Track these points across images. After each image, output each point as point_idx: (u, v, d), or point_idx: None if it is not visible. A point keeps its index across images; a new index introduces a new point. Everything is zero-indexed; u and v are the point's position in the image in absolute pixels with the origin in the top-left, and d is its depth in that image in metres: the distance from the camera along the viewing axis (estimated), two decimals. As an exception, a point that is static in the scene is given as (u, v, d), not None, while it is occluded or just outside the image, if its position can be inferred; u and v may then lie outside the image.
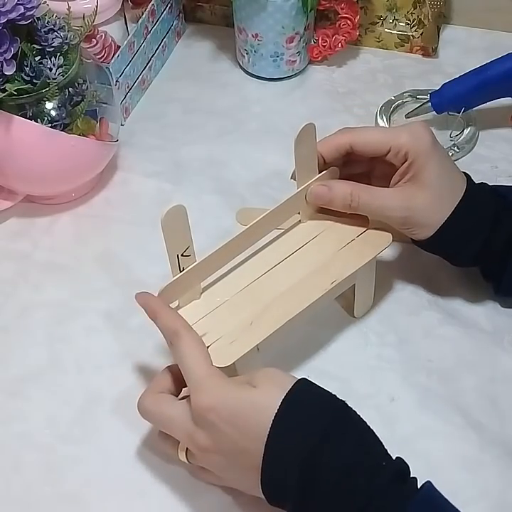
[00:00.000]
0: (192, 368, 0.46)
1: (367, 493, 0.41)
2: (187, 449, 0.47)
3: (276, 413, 0.42)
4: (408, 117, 0.73)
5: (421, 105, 0.72)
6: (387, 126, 0.73)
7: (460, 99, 0.69)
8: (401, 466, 0.43)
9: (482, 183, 0.56)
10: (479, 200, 0.54)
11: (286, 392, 0.43)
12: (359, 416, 0.44)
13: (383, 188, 0.55)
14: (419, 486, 0.42)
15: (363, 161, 0.56)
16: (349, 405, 0.44)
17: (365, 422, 0.44)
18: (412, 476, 0.43)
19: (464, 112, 0.70)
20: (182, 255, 0.49)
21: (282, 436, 0.42)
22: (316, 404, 0.44)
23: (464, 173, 0.55)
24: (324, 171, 0.55)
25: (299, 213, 0.56)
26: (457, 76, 0.70)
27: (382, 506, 0.41)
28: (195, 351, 0.46)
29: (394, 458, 0.43)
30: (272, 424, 0.42)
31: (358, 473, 0.41)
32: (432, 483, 0.43)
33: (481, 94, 0.70)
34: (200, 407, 0.44)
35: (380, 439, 0.44)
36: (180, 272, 0.49)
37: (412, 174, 0.53)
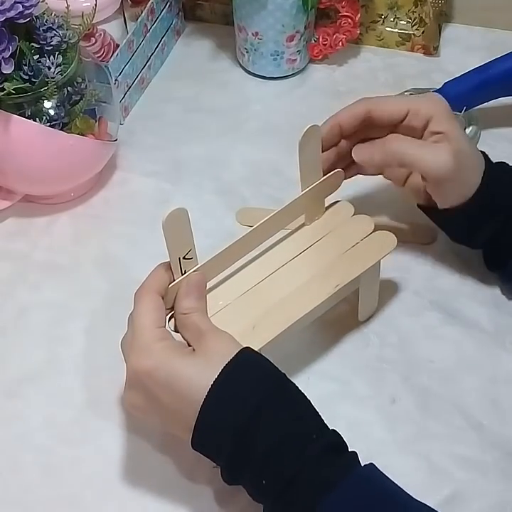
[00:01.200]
0: (141, 328, 0.46)
1: (297, 463, 0.41)
2: None
3: (213, 381, 0.43)
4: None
5: None
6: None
7: (462, 98, 0.69)
8: (336, 440, 0.43)
9: (501, 162, 0.56)
10: (501, 175, 0.55)
11: (227, 361, 0.43)
12: (297, 388, 0.44)
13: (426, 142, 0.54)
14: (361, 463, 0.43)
15: (381, 130, 0.55)
16: (288, 378, 0.45)
17: (304, 395, 0.44)
18: (352, 450, 0.43)
19: (465, 111, 0.70)
20: (184, 258, 0.48)
21: (216, 404, 0.43)
22: (254, 375, 0.44)
23: (482, 151, 0.56)
24: (329, 174, 0.54)
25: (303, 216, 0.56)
26: (459, 75, 0.70)
27: (312, 477, 0.41)
28: (150, 313, 0.46)
29: (330, 431, 0.44)
30: (207, 393, 0.42)
31: (290, 443, 0.42)
32: (374, 465, 0.42)
33: (482, 93, 0.69)
34: (137, 370, 0.45)
35: (319, 413, 0.44)
36: (182, 275, 0.49)
37: (443, 128, 0.52)
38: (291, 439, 0.42)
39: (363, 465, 0.43)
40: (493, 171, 0.54)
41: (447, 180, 0.53)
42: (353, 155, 0.55)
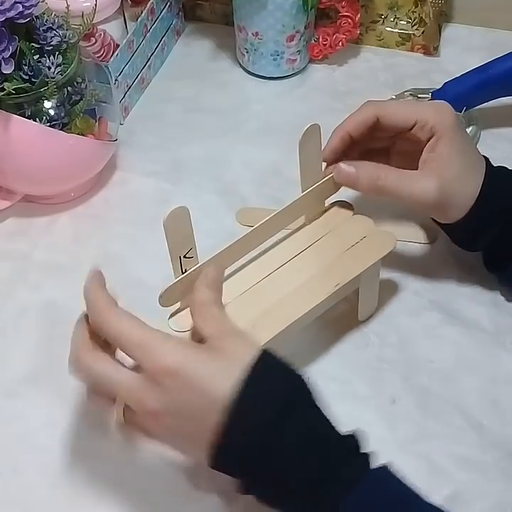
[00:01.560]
0: (141, 332, 0.44)
1: (322, 463, 0.41)
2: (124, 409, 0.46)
3: (239, 381, 0.41)
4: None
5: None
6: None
7: (462, 98, 0.69)
8: (356, 439, 0.43)
9: (501, 166, 0.56)
10: (501, 180, 0.54)
11: (249, 362, 0.42)
12: (315, 393, 0.44)
13: (411, 170, 0.54)
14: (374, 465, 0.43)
15: (385, 137, 0.56)
16: (307, 379, 0.44)
17: (319, 401, 0.44)
18: (370, 451, 0.43)
19: (465, 111, 0.70)
20: (184, 257, 0.48)
21: (242, 403, 0.41)
22: (278, 377, 0.43)
23: (483, 156, 0.56)
24: (330, 175, 0.54)
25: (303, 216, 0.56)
26: (458, 75, 0.70)
27: (336, 476, 0.41)
28: (131, 319, 0.45)
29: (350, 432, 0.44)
30: (234, 391, 0.41)
31: (315, 443, 0.42)
32: (388, 467, 0.42)
33: (482, 93, 0.69)
34: (156, 371, 0.42)
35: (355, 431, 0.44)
36: (183, 273, 0.49)
37: (441, 149, 0.53)
38: (316, 440, 0.42)
39: (377, 466, 0.43)
40: (492, 179, 0.54)
41: (434, 208, 0.53)
42: (334, 176, 0.54)
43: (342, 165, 0.54)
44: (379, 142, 0.57)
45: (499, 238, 0.55)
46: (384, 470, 0.42)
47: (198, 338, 0.46)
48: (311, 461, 0.41)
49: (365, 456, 0.43)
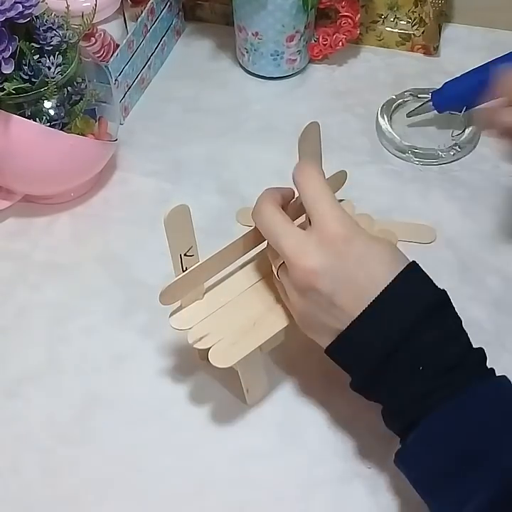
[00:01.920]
0: (323, 199, 0.46)
1: (460, 355, 0.44)
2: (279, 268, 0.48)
3: (400, 272, 0.44)
4: (409, 116, 0.73)
5: (422, 104, 0.72)
6: (388, 125, 0.73)
7: (461, 98, 0.69)
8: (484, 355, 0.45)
9: None
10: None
11: (396, 273, 0.44)
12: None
13: None
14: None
15: None
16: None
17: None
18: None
19: (465, 111, 0.70)
20: (185, 255, 0.48)
21: (401, 292, 0.44)
22: (429, 279, 0.46)
23: None
24: (332, 174, 0.54)
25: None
26: (458, 75, 0.70)
27: (471, 368, 0.44)
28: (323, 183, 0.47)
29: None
30: (395, 278, 0.43)
31: (455, 339, 0.44)
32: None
33: (482, 94, 0.69)
34: (333, 234, 0.44)
35: None
36: (183, 271, 0.49)
37: None
38: (456, 336, 0.44)
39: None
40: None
41: None
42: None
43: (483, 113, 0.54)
44: None
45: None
46: (506, 379, 0.45)
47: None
48: (451, 351, 0.43)
49: (492, 370, 0.45)
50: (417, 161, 0.70)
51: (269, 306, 0.51)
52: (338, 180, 0.55)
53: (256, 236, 0.52)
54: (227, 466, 0.52)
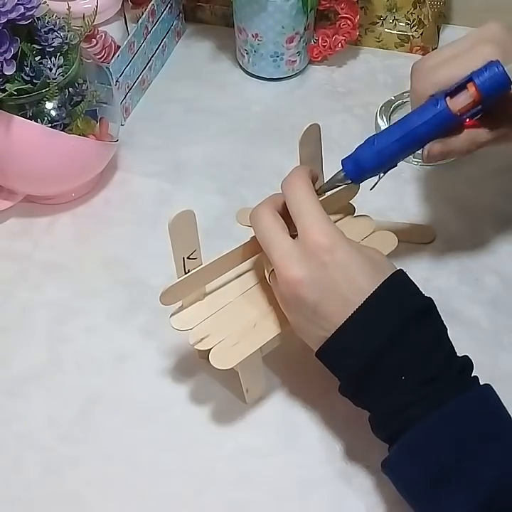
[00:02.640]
0: (307, 210, 0.46)
1: (440, 366, 0.44)
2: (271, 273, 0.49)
3: (386, 279, 0.45)
4: (322, 192, 0.53)
5: (333, 177, 0.53)
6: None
7: (381, 160, 0.52)
8: (469, 362, 0.46)
9: None
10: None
11: (392, 269, 0.46)
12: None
13: None
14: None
15: None
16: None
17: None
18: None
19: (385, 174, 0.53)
20: (188, 258, 0.49)
21: (385, 300, 0.44)
22: (414, 288, 0.46)
23: None
24: (334, 174, 0.54)
25: None
26: (368, 136, 0.53)
27: (451, 380, 0.43)
28: (312, 194, 0.48)
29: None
30: (378, 287, 0.44)
31: (436, 349, 0.44)
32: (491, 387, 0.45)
33: (405, 149, 0.52)
34: (317, 247, 0.45)
35: None
36: (186, 273, 0.49)
37: None
38: (440, 345, 0.45)
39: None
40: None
41: None
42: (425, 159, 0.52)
43: (429, 147, 0.51)
44: None
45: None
46: (490, 387, 0.44)
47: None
48: (434, 362, 0.44)
49: (475, 378, 0.45)
50: (416, 161, 0.70)
51: (269, 307, 0.51)
52: (349, 193, 0.55)
53: (258, 243, 0.52)
54: (226, 466, 0.52)
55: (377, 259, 0.47)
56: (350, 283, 0.45)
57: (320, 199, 0.53)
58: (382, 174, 0.53)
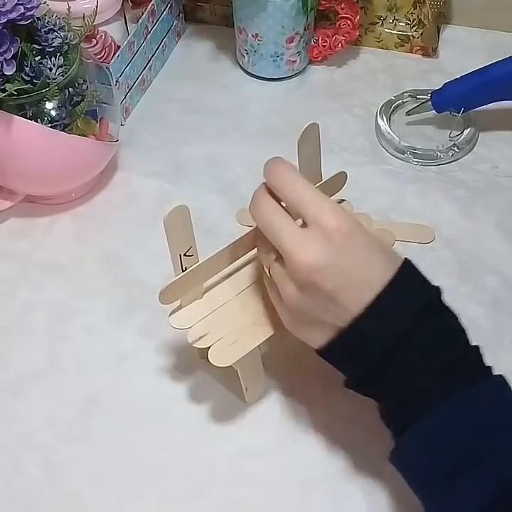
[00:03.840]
0: (315, 197, 0.45)
1: (459, 351, 0.44)
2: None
3: (400, 267, 0.44)
4: (409, 114, 0.73)
5: (422, 103, 0.72)
6: (388, 126, 0.73)
7: (460, 99, 0.69)
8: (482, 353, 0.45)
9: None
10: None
11: (396, 268, 0.44)
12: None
13: None
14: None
15: None
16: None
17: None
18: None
19: (463, 112, 0.70)
20: (184, 255, 0.49)
21: (405, 287, 0.44)
22: (423, 277, 0.46)
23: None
24: (332, 176, 0.55)
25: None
26: (457, 76, 0.70)
27: (470, 366, 0.44)
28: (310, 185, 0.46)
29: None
30: (395, 275, 0.43)
31: (453, 337, 0.44)
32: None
33: (482, 96, 0.70)
34: (335, 231, 0.43)
35: None
36: (183, 271, 0.49)
37: None
38: (456, 333, 0.45)
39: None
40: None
41: None
42: None
43: None
44: None
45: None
46: (503, 378, 0.44)
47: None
48: (451, 348, 0.43)
49: (490, 368, 0.45)
50: (416, 161, 0.70)
51: (268, 305, 0.51)
52: (338, 181, 0.55)
53: (255, 236, 0.53)
54: (226, 465, 0.52)
55: (387, 246, 0.46)
56: (370, 269, 0.43)
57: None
58: (462, 110, 0.69)
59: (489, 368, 0.45)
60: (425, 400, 0.43)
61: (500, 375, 0.45)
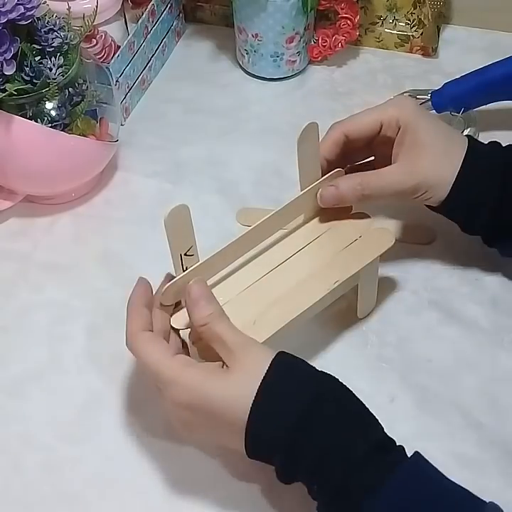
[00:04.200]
0: (159, 363, 0.45)
1: (344, 467, 0.42)
2: None
3: (255, 396, 0.43)
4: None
5: (422, 103, 0.72)
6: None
7: (460, 99, 0.70)
8: (382, 436, 0.44)
9: (493, 141, 0.57)
10: (485, 155, 0.55)
11: (264, 373, 0.43)
12: (341, 385, 0.45)
13: (387, 166, 0.55)
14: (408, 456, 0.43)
15: (361, 148, 0.57)
16: (330, 376, 0.45)
17: (348, 391, 0.45)
18: (399, 445, 0.44)
19: (463, 112, 0.70)
20: (185, 255, 0.49)
21: (262, 419, 0.43)
22: (294, 382, 0.44)
23: (467, 135, 0.56)
24: (329, 173, 0.55)
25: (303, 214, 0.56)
26: (457, 76, 0.70)
27: (359, 481, 0.41)
28: (154, 345, 0.46)
29: (377, 427, 0.44)
30: (251, 409, 0.43)
31: (337, 447, 0.42)
32: (420, 454, 0.43)
33: (481, 96, 0.70)
34: (176, 405, 0.45)
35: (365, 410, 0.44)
36: (183, 271, 0.49)
37: (409, 139, 0.54)
38: (338, 444, 0.42)
39: (410, 456, 0.43)
40: (473, 157, 0.54)
41: (415, 194, 0.54)
42: (321, 204, 0.55)
43: (322, 191, 0.54)
44: (361, 155, 0.58)
45: (501, 207, 0.54)
46: (414, 464, 0.43)
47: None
48: (335, 467, 0.42)
49: (395, 454, 0.43)
50: (416, 161, 0.70)
51: (268, 304, 0.51)
52: (336, 178, 0.55)
53: (255, 236, 0.53)
54: (226, 465, 0.52)
55: (245, 369, 0.45)
56: (224, 422, 0.44)
57: (305, 190, 0.54)
58: (462, 110, 0.69)
59: (399, 452, 0.43)
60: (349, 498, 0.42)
61: (413, 456, 0.43)
